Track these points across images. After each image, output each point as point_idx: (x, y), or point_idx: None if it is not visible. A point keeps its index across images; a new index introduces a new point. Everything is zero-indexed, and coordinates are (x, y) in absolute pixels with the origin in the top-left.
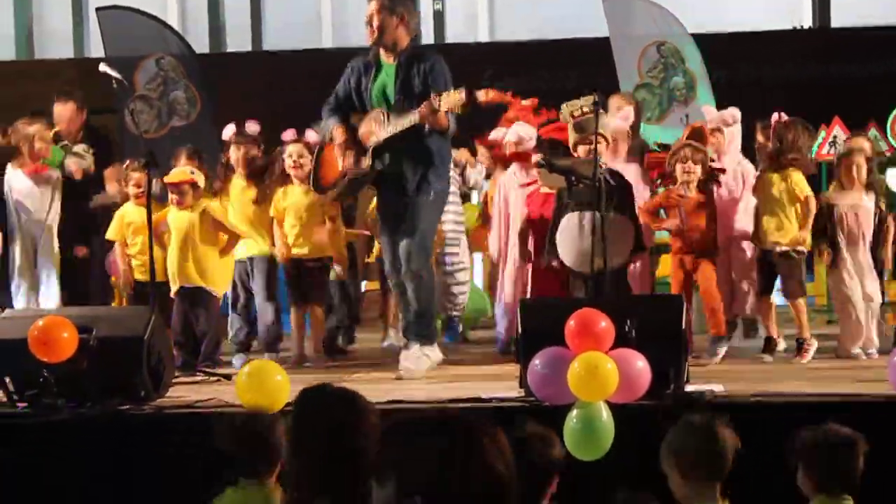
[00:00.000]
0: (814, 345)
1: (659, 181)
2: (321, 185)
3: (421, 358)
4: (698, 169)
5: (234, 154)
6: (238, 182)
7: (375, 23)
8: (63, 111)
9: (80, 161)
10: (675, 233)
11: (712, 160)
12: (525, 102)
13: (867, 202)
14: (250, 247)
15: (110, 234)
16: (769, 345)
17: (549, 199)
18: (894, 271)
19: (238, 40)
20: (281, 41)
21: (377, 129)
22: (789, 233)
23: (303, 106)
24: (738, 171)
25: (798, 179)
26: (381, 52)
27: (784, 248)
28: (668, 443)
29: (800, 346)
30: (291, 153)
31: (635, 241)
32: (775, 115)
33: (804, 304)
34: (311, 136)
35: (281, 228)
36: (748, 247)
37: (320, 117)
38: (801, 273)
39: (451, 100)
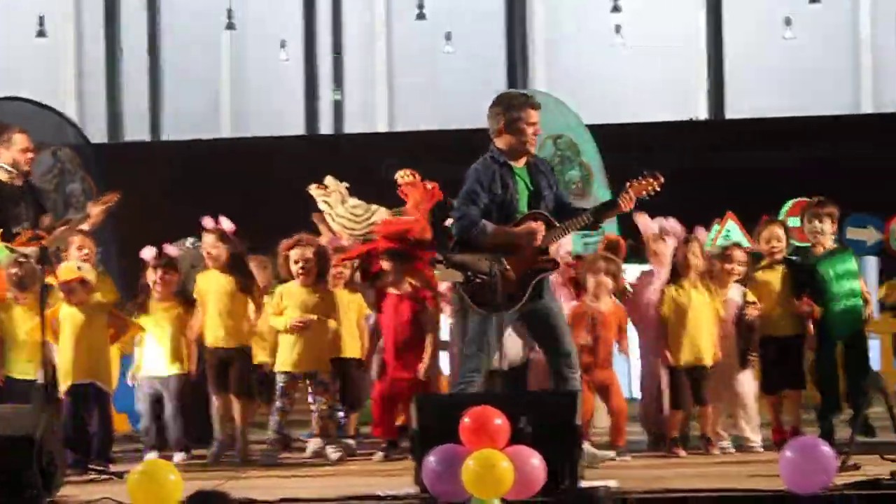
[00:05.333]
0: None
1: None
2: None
3: None
4: (609, 281)
5: (151, 276)
6: (156, 303)
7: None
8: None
9: None
10: (586, 348)
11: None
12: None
13: (733, 295)
14: (168, 366)
15: None
16: (708, 443)
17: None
18: None
19: (137, 129)
20: (180, 130)
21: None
22: (708, 352)
23: (202, 194)
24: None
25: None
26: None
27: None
28: None
29: (707, 441)
30: (206, 242)
31: None
32: (702, 232)
33: (709, 409)
34: (226, 224)
35: (203, 312)
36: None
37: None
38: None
39: None
